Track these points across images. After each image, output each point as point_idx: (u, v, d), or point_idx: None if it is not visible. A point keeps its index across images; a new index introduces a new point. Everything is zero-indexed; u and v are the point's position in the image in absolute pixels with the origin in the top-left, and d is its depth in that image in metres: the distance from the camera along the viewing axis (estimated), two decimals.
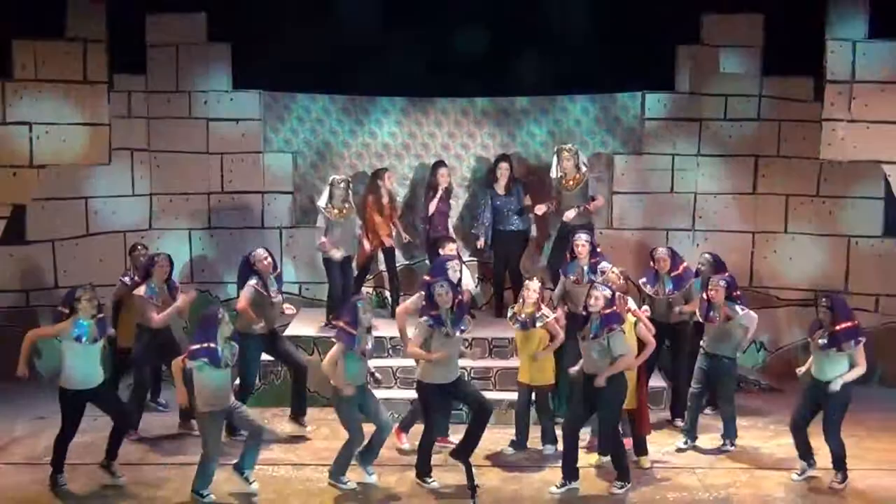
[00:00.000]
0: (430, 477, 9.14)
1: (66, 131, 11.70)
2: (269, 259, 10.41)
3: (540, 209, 12.09)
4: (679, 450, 9.98)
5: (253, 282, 10.29)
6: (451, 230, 12.29)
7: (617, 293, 9.33)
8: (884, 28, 11.52)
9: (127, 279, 10.99)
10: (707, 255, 10.92)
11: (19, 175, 11.58)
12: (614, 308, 8.93)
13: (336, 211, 11.40)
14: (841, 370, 8.91)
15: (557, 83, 12.75)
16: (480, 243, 12.37)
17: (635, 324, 9.49)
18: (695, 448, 10.04)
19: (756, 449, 10.04)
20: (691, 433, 10.09)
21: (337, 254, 11.44)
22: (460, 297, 9.37)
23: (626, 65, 12.28)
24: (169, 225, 12.72)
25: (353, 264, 11.85)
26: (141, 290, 10.16)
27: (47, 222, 12.03)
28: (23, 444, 10.10)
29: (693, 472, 9.48)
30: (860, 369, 8.94)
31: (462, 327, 9.20)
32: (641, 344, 9.49)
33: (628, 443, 9.56)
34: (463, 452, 9.19)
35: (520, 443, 9.99)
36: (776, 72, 12.32)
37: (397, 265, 12.55)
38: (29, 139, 11.57)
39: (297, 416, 10.56)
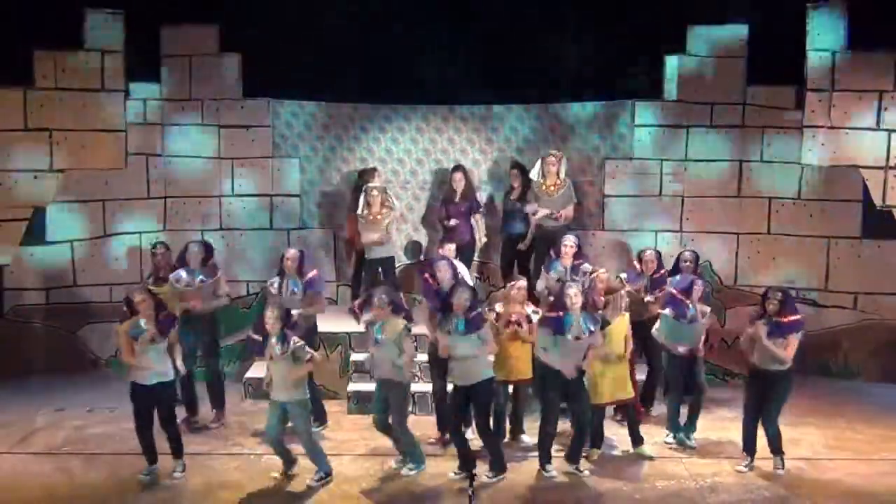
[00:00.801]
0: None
1: (85, 137, 11.92)
2: (296, 262, 10.46)
3: (531, 208, 12.19)
4: (667, 444, 10.13)
5: (270, 281, 10.60)
6: (475, 230, 12.44)
7: (625, 293, 9.82)
8: (862, 39, 11.75)
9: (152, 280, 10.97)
10: (688, 253, 11.03)
11: (40, 178, 11.82)
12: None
13: (371, 217, 11.66)
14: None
15: (553, 91, 13.04)
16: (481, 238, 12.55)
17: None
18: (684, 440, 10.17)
19: (740, 440, 10.13)
20: (676, 427, 10.21)
21: (374, 252, 11.74)
22: (479, 310, 9.29)
23: (618, 74, 12.59)
24: (182, 226, 12.83)
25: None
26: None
27: (66, 224, 12.23)
28: (43, 434, 10.21)
29: (680, 462, 9.70)
30: (786, 359, 9.12)
31: (467, 330, 9.10)
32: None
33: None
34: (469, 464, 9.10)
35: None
36: (759, 81, 12.50)
37: (398, 264, 12.73)
38: (49, 144, 11.80)
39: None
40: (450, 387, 9.65)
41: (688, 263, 10.87)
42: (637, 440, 9.90)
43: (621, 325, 9.66)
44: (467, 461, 9.13)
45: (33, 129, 11.76)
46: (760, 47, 12.42)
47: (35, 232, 12.03)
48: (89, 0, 11.89)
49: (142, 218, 12.75)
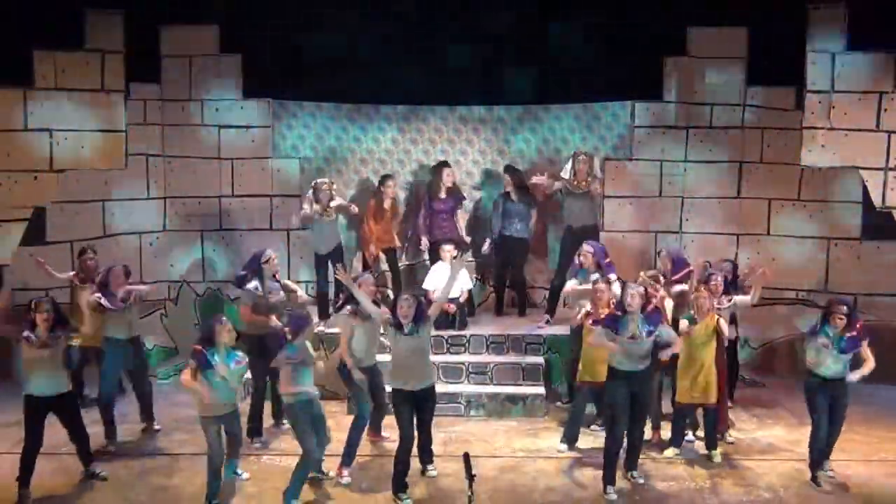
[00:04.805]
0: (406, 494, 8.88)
1: (85, 137, 11.89)
2: (276, 262, 10.45)
3: (539, 179, 12.14)
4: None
5: (251, 285, 10.24)
6: (459, 229, 12.53)
7: (708, 295, 9.77)
8: (861, 41, 11.73)
9: (76, 280, 11.05)
10: (727, 263, 10.98)
11: (40, 179, 11.75)
12: (652, 305, 9.21)
13: (321, 209, 11.72)
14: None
15: (552, 92, 13.04)
16: (486, 248, 12.51)
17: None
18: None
19: (740, 440, 10.28)
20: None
21: (322, 249, 11.84)
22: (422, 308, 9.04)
23: (617, 75, 12.56)
24: (182, 227, 12.94)
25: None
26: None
27: (66, 224, 12.15)
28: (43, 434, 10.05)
29: (680, 463, 9.72)
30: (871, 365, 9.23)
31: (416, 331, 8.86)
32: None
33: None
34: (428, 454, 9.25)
35: (572, 439, 10.05)
36: (759, 82, 12.56)
37: (399, 265, 12.79)
38: (49, 145, 11.73)
39: (278, 420, 10.67)
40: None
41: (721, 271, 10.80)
42: (711, 444, 9.84)
43: (706, 327, 9.65)
44: (402, 482, 8.89)
45: (33, 129, 11.71)
46: (760, 47, 12.44)
47: (34, 232, 11.98)
48: (89, 0, 11.87)
49: (141, 218, 12.76)
